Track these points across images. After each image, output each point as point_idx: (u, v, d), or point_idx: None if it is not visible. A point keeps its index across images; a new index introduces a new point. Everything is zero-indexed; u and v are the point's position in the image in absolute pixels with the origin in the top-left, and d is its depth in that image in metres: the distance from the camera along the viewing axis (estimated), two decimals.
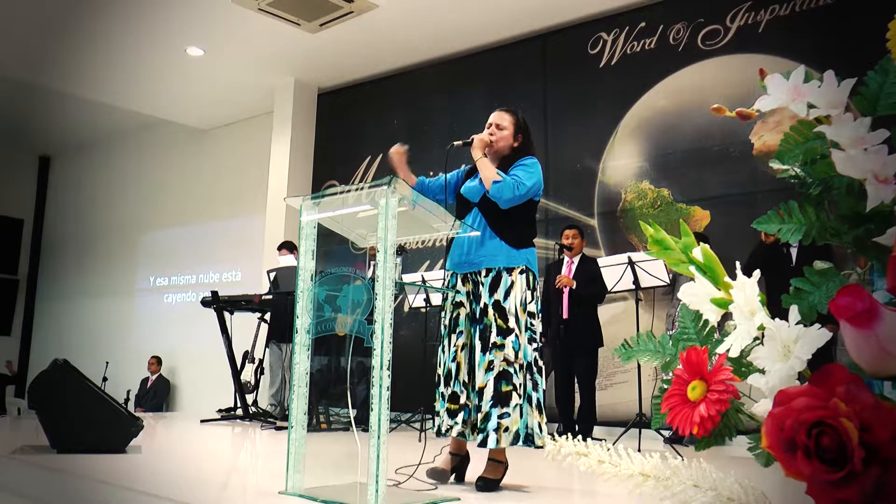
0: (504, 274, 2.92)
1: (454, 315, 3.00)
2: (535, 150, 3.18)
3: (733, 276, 1.13)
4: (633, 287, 4.93)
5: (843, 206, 1.04)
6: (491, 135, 3.11)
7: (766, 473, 1.05)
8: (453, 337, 2.98)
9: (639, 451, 1.13)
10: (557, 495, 3.09)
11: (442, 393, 2.98)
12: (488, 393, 2.82)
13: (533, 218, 3.13)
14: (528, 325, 2.92)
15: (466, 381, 2.93)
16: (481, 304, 2.93)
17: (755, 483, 1.08)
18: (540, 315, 3.04)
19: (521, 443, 2.81)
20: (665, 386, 1.13)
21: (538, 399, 2.88)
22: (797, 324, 1.03)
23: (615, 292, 5.21)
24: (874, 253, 1.02)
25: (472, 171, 3.17)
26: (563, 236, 5.56)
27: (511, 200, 2.94)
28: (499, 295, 2.90)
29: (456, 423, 2.90)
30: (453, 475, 3.02)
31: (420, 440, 5.01)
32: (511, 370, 2.82)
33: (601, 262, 5.13)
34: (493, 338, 2.86)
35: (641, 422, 4.72)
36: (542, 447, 2.82)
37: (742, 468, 1.16)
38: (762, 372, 1.04)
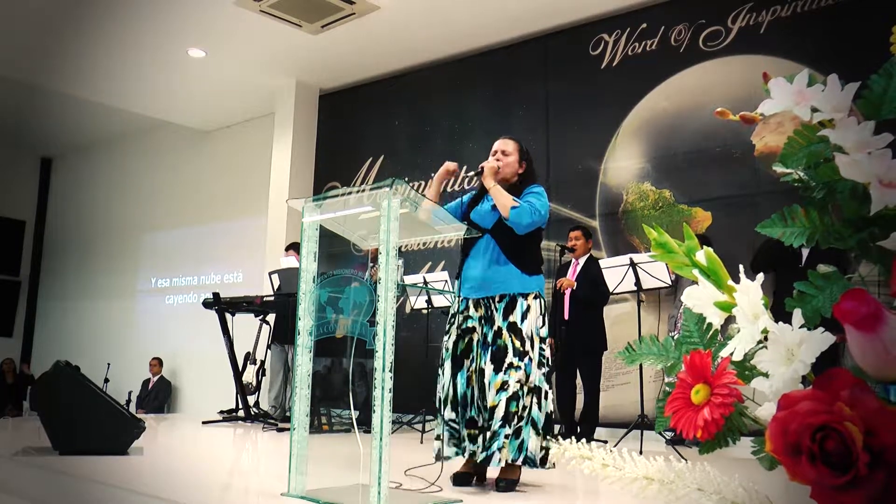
0: (519, 298, 2.99)
1: (467, 340, 3.05)
2: (538, 178, 3.28)
3: (736, 279, 1.13)
4: (635, 288, 4.93)
5: (847, 209, 1.04)
6: (497, 160, 3.19)
7: (771, 477, 1.05)
8: (466, 362, 3.03)
9: (640, 452, 1.13)
10: (563, 496, 3.09)
11: (450, 418, 3.02)
12: (499, 412, 2.88)
13: (540, 246, 3.20)
14: (541, 349, 2.99)
15: (480, 404, 2.98)
16: (494, 328, 2.99)
17: (759, 486, 1.08)
18: (548, 339, 3.10)
19: (520, 461, 2.88)
20: (668, 389, 1.13)
21: (542, 421, 2.93)
22: (801, 327, 1.02)
23: (617, 294, 5.21)
24: (878, 257, 1.02)
25: (477, 199, 3.23)
26: (568, 238, 5.56)
27: (530, 226, 3.02)
28: (515, 317, 2.96)
29: (477, 446, 2.95)
30: (474, 477, 3.08)
31: (422, 442, 5.01)
32: (521, 392, 2.89)
33: (602, 263, 5.13)
34: (510, 358, 2.92)
35: (643, 423, 4.72)
36: (542, 467, 2.92)
37: (746, 470, 1.16)
38: (766, 375, 1.04)
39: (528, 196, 3.08)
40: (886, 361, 0.92)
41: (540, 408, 2.92)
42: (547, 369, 3.01)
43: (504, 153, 3.20)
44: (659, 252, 1.19)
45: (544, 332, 3.02)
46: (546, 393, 2.98)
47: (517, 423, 2.86)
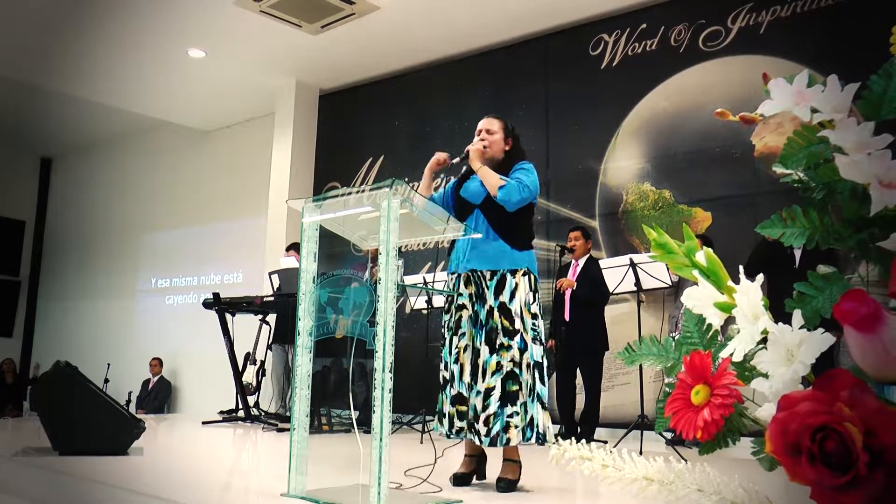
0: (508, 276, 2.99)
1: (457, 317, 3.06)
2: (525, 155, 3.27)
3: (736, 279, 1.13)
4: (635, 289, 4.93)
5: (846, 210, 1.04)
6: (482, 140, 3.19)
7: (771, 477, 1.05)
8: (455, 339, 3.04)
9: (640, 453, 1.13)
10: (563, 497, 3.09)
11: (447, 395, 3.04)
12: (496, 394, 2.89)
13: (531, 221, 3.20)
14: (533, 325, 2.99)
15: (470, 382, 2.98)
16: (486, 307, 2.99)
17: (759, 487, 1.08)
18: (541, 315, 3.11)
19: (534, 440, 2.89)
20: (668, 390, 1.13)
21: (546, 396, 2.96)
22: (801, 328, 1.02)
23: (617, 294, 5.21)
24: (878, 257, 1.02)
25: (467, 176, 3.24)
26: (568, 238, 5.56)
27: (520, 202, 3.02)
28: (504, 297, 2.97)
29: (464, 424, 2.97)
30: (474, 476, 3.08)
31: (422, 442, 5.01)
32: (517, 371, 2.90)
33: (602, 263, 5.13)
34: (500, 339, 2.93)
35: (643, 423, 4.72)
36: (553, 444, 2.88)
37: (746, 471, 1.16)
38: (766, 376, 1.04)
39: (517, 172, 3.08)
40: (886, 361, 0.92)
41: (543, 383, 2.95)
42: (543, 344, 3.02)
43: (489, 132, 3.20)
44: (659, 252, 1.19)
45: (535, 307, 3.02)
46: (546, 368, 3.00)
47: (521, 401, 2.87)
